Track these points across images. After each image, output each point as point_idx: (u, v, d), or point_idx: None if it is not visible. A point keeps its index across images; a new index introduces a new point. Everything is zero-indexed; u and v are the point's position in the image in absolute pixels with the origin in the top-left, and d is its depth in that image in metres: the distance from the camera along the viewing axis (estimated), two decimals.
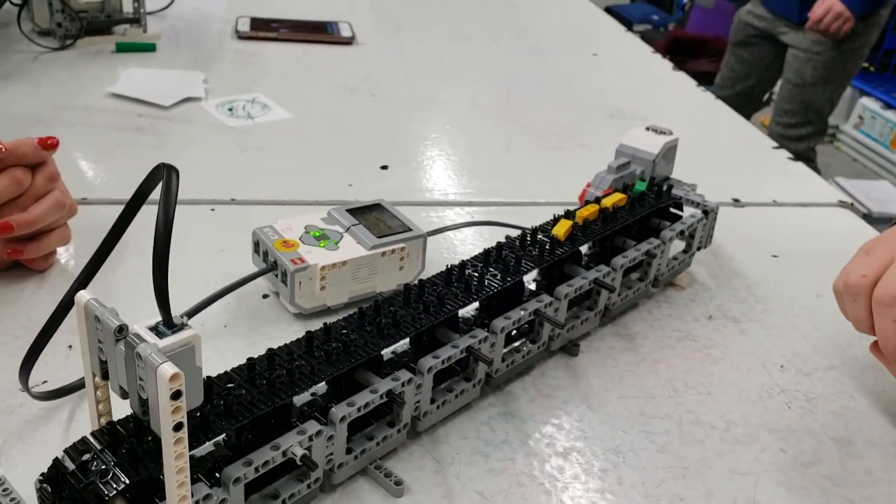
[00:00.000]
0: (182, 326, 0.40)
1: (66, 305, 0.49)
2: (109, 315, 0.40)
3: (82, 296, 0.41)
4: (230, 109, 1.07)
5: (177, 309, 0.63)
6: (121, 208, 0.47)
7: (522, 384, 0.63)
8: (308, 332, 0.51)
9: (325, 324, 0.52)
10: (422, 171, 0.98)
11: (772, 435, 0.60)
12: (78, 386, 0.57)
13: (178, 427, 0.38)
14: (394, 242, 0.69)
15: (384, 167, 0.97)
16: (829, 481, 0.56)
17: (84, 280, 0.48)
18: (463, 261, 0.61)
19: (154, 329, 0.40)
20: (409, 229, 0.71)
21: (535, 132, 1.12)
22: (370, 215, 0.72)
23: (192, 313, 0.64)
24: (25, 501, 0.46)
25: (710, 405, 0.62)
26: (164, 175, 0.41)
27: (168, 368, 0.37)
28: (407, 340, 0.58)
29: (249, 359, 0.48)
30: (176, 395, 0.37)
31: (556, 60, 1.47)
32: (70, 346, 0.62)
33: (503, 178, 0.98)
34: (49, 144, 0.67)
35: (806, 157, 2.42)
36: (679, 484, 0.55)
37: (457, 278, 0.59)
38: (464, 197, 0.92)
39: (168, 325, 0.40)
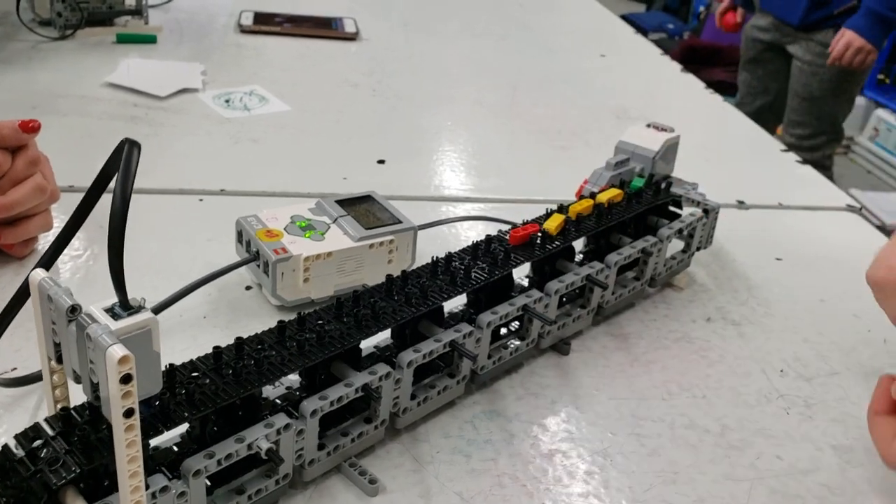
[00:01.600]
0: (139, 309, 0.38)
1: (27, 288, 0.47)
2: (63, 294, 0.38)
3: (36, 274, 0.39)
4: (227, 101, 1.06)
5: (156, 297, 0.61)
6: (110, 196, 0.45)
7: (510, 382, 0.60)
8: (280, 322, 0.49)
9: (299, 313, 0.50)
10: (420, 167, 0.96)
11: (768, 441, 0.57)
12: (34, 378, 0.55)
13: (128, 413, 0.36)
14: (382, 235, 0.67)
15: (381, 161, 0.95)
16: (826, 490, 0.54)
17: (48, 261, 0.46)
18: (449, 253, 0.58)
19: (109, 311, 0.38)
20: (399, 221, 0.69)
21: (540, 130, 1.10)
22: (360, 207, 0.70)
23: (170, 302, 0.62)
24: None
25: (705, 409, 0.60)
26: (124, 150, 0.39)
27: (117, 350, 0.35)
28: (389, 335, 0.56)
29: (216, 347, 0.46)
30: (126, 379, 0.35)
31: (565, 60, 1.44)
32: None
33: (504, 176, 0.96)
34: (30, 127, 0.65)
35: (822, 165, 2.36)
36: (668, 489, 0.52)
37: (443, 270, 0.57)
38: (463, 193, 0.90)
39: (124, 306, 0.38)
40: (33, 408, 0.54)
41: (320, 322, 0.50)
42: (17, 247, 0.68)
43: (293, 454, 0.47)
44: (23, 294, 0.48)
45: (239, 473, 0.46)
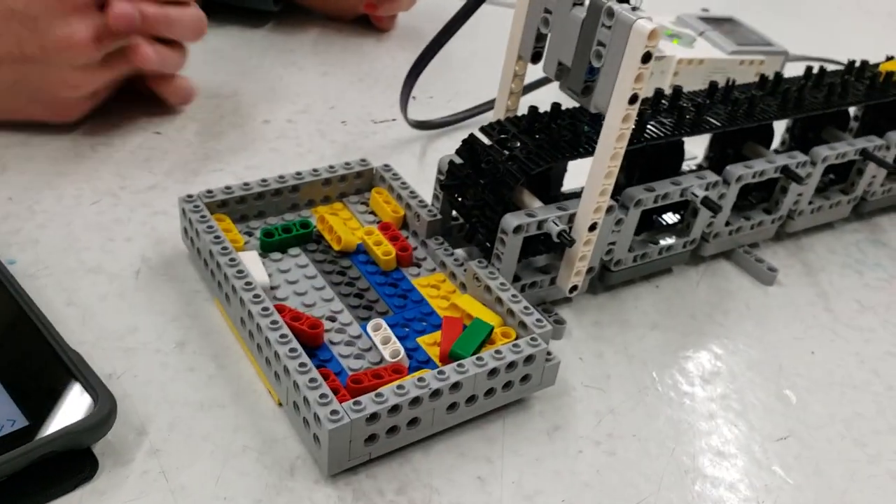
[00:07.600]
0: (635, 9, 0.37)
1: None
2: None
3: None
4: None
5: None
6: None
7: (891, 220, 0.56)
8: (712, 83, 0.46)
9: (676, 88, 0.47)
10: None
11: None
12: (438, 124, 0.56)
13: (633, 99, 0.34)
14: (754, 53, 0.63)
15: None
16: None
17: None
18: (778, 73, 0.49)
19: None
20: (770, 44, 0.64)
21: None
22: (724, 26, 0.66)
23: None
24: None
25: None
26: None
27: (646, 24, 0.33)
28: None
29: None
30: (646, 58, 0.33)
31: None
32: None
33: None
34: None
35: None
36: None
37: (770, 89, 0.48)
38: None
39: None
40: (419, 153, 0.55)
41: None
42: (385, 20, 0.70)
43: (704, 222, 0.45)
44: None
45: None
